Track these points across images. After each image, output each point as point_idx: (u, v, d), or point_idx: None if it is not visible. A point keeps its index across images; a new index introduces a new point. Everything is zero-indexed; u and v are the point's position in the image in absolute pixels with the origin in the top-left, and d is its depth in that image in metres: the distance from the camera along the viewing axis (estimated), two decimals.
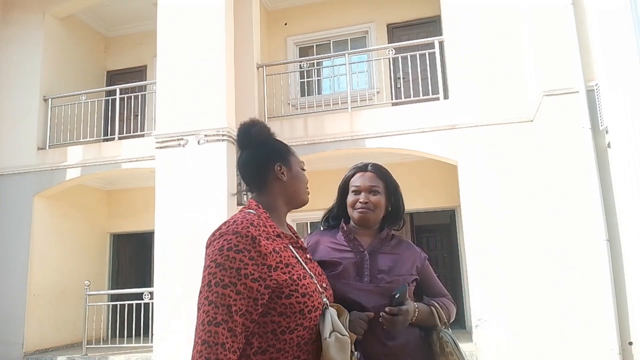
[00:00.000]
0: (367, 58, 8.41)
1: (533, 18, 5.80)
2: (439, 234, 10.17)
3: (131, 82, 8.56)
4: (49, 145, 7.98)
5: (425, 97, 6.93)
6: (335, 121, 6.87)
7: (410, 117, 6.58)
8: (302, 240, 1.66)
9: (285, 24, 9.16)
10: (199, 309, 1.33)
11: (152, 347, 6.34)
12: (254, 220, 1.45)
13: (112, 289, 9.04)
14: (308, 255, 1.61)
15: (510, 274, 5.78)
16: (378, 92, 8.30)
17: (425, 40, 7.10)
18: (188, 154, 6.41)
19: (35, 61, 8.13)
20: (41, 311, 7.70)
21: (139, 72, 9.61)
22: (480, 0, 6.47)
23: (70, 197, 8.38)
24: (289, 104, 8.46)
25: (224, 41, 6.57)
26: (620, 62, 4.84)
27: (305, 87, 8.87)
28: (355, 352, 1.50)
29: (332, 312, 1.47)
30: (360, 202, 1.83)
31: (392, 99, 8.19)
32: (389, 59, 7.42)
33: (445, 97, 6.71)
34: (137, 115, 8.87)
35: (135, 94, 8.32)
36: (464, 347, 6.12)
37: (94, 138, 8.12)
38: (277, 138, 1.66)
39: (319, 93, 8.71)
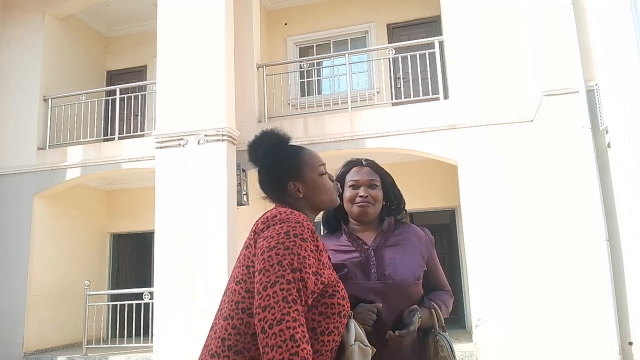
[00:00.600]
0: (367, 58, 8.41)
1: (533, 18, 5.80)
2: (439, 234, 10.15)
3: (131, 82, 8.56)
4: (49, 145, 7.97)
5: (425, 97, 6.93)
6: (335, 121, 6.87)
7: (410, 117, 6.58)
8: None
9: (285, 24, 9.16)
10: (264, 287, 1.28)
11: (152, 347, 6.33)
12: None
13: (112, 289, 9.04)
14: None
15: (510, 274, 5.78)
16: (378, 92, 8.30)
17: (425, 40, 7.10)
18: (188, 154, 6.41)
19: (35, 61, 8.13)
20: (41, 311, 7.69)
21: (139, 72, 9.61)
22: (480, 0, 6.47)
23: (70, 197, 8.38)
24: (289, 104, 8.45)
25: (224, 41, 6.57)
26: (620, 62, 4.84)
27: (305, 87, 8.87)
28: None
29: (355, 322, 1.48)
30: (360, 196, 1.81)
31: (392, 99, 8.19)
32: (389, 59, 7.42)
33: (445, 97, 6.71)
34: (137, 115, 8.87)
35: (135, 94, 8.32)
36: (464, 347, 6.11)
37: (94, 138, 8.12)
38: (290, 143, 1.61)
39: (319, 93, 8.71)
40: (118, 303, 7.59)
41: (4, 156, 7.93)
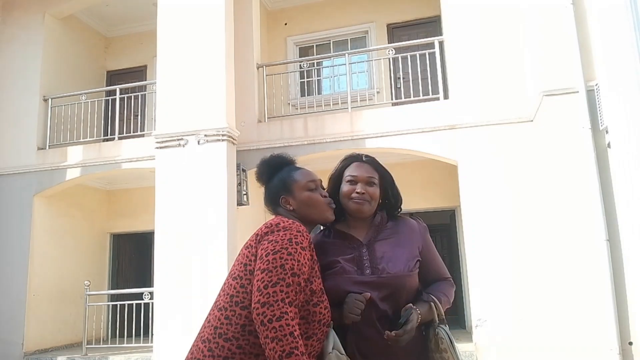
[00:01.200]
0: (367, 58, 8.41)
1: (533, 18, 5.80)
2: (439, 234, 10.15)
3: (131, 82, 8.56)
4: (49, 145, 7.98)
5: (425, 97, 6.93)
6: (335, 121, 6.87)
7: (410, 117, 6.58)
8: None
9: (285, 24, 9.16)
10: (265, 285, 1.39)
11: (152, 347, 6.34)
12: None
13: (112, 289, 9.04)
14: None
15: (510, 274, 5.78)
16: (378, 92, 8.31)
17: (425, 40, 7.11)
18: (188, 154, 6.41)
19: (35, 61, 8.13)
20: (41, 311, 7.69)
21: (139, 72, 9.61)
22: (480, 0, 6.47)
23: (70, 197, 8.38)
24: (289, 104, 8.45)
25: (223, 41, 6.57)
26: (620, 62, 4.83)
27: (305, 87, 8.87)
28: None
29: (334, 332, 1.59)
30: (357, 193, 1.80)
31: (392, 99, 8.19)
32: (389, 59, 7.42)
33: (445, 97, 6.71)
34: (137, 115, 8.87)
35: (135, 94, 8.32)
36: (464, 347, 6.09)
37: (94, 138, 8.12)
38: (293, 165, 1.80)
39: (319, 93, 8.71)
40: (118, 303, 7.59)
41: (3, 156, 7.93)
